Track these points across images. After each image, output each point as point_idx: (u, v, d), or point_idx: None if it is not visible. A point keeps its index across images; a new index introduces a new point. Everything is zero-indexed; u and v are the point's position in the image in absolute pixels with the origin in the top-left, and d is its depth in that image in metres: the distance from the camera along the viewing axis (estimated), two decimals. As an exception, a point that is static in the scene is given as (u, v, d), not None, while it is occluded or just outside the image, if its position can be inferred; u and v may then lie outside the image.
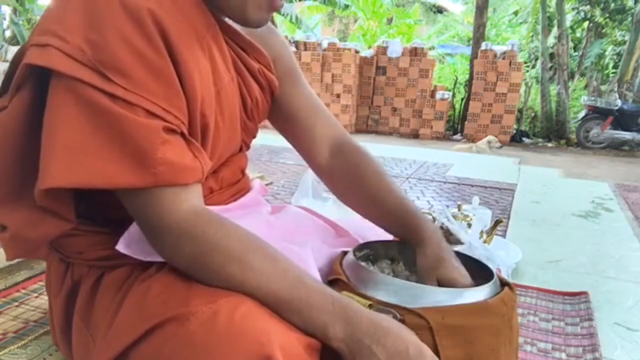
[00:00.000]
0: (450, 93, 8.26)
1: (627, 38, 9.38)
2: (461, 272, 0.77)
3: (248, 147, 0.90)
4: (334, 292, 0.61)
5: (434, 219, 1.73)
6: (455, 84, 8.88)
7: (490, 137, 6.85)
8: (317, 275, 0.72)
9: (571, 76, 10.16)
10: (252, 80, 0.82)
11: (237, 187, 0.87)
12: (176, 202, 0.62)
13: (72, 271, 0.77)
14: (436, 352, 0.64)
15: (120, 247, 0.69)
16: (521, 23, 13.56)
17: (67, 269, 0.78)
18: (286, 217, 0.95)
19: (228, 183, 0.85)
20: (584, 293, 1.51)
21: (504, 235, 2.09)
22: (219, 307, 0.58)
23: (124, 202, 0.65)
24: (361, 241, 0.88)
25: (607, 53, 11.40)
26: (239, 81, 0.79)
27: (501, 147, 6.80)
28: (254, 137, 0.90)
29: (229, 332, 0.55)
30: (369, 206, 0.90)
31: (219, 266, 0.61)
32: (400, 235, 0.87)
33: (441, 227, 1.68)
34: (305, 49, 8.00)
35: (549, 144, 8.15)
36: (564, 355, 1.17)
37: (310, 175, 2.00)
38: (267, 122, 0.95)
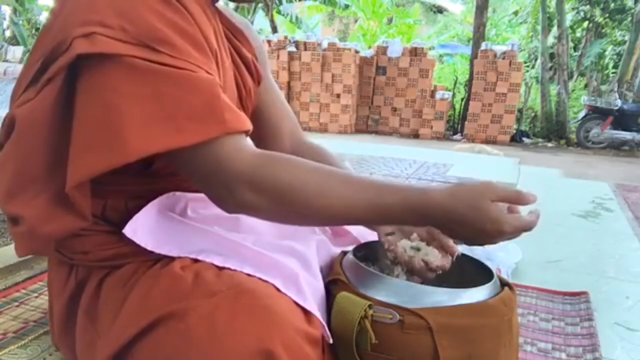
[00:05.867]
0: (450, 93, 8.26)
1: (627, 38, 9.38)
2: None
3: None
4: (408, 189, 0.66)
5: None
6: (455, 84, 8.88)
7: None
8: (319, 277, 0.72)
9: (571, 76, 10.16)
10: (245, 71, 0.82)
11: None
12: (242, 149, 0.64)
13: (76, 272, 0.77)
14: (436, 352, 0.64)
15: (128, 231, 0.68)
16: (521, 23, 13.56)
17: (70, 270, 0.78)
18: None
19: None
20: (584, 293, 1.51)
21: (504, 235, 2.09)
22: (218, 301, 0.58)
23: (188, 167, 0.65)
24: (361, 241, 0.88)
25: (607, 53, 11.40)
26: (234, 70, 0.79)
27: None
28: None
29: (229, 326, 0.56)
30: None
31: (304, 202, 0.63)
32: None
33: (441, 227, 1.68)
34: (305, 49, 7.99)
35: (549, 144, 8.15)
36: (564, 355, 1.17)
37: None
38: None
